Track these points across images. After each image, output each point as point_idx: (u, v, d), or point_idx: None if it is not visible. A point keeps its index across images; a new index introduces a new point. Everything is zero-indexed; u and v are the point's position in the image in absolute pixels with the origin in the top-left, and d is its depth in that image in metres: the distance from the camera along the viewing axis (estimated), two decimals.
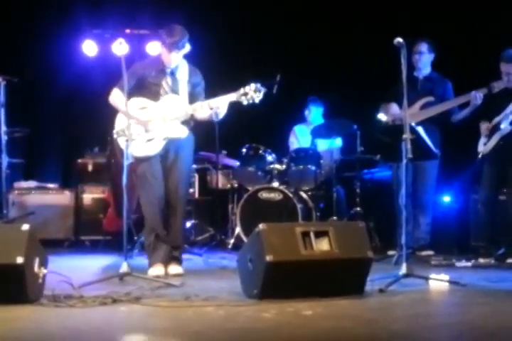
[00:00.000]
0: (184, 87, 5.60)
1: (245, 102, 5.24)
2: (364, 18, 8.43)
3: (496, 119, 6.26)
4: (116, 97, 5.49)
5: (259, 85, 5.24)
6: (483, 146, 6.32)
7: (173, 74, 5.60)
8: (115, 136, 5.53)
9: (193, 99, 5.59)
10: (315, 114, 8.15)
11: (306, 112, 8.22)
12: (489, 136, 6.30)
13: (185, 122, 5.56)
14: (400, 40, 4.96)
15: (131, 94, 5.37)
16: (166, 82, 5.58)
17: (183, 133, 5.53)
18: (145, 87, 5.54)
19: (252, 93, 5.21)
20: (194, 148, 5.81)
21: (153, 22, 8.00)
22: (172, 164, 5.57)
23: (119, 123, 5.56)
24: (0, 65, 7.26)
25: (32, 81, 8.32)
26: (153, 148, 5.47)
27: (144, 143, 5.44)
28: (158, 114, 5.49)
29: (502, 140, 6.24)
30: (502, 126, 6.20)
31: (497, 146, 6.26)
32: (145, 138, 5.46)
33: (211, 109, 5.40)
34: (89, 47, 8.49)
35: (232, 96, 5.30)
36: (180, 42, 5.45)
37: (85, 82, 8.55)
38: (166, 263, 5.50)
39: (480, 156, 6.36)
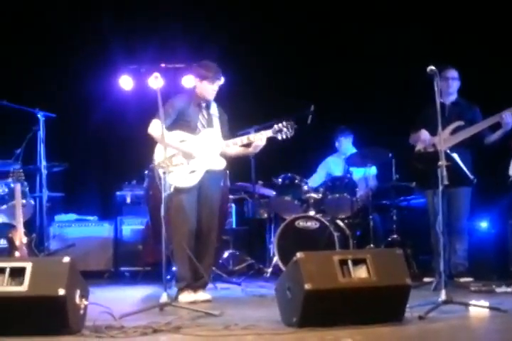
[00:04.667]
0: (217, 122, 5.84)
1: (279, 138, 5.67)
2: (393, 45, 8.49)
3: None
4: (158, 128, 5.55)
5: (292, 123, 5.67)
6: None
7: (207, 108, 5.81)
8: (156, 167, 5.61)
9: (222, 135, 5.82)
10: (345, 144, 8.20)
11: (337, 144, 8.26)
12: None
13: (221, 154, 5.77)
14: (433, 68, 5.00)
15: (169, 127, 5.54)
16: (203, 116, 5.79)
17: (222, 164, 5.77)
18: (183, 121, 5.72)
19: (286, 130, 5.65)
20: (225, 180, 6.09)
21: (188, 56, 8.15)
22: (206, 196, 5.72)
23: (160, 154, 5.62)
24: (38, 100, 7.41)
25: (70, 115, 8.45)
26: (194, 179, 5.64)
27: (187, 174, 5.60)
28: (199, 146, 5.65)
29: None
30: None
31: None
32: (188, 170, 5.62)
33: (246, 145, 5.70)
34: (125, 82, 8.67)
35: (268, 133, 5.69)
36: (219, 74, 5.78)
37: (122, 116, 8.70)
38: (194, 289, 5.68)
39: (511, 180, 6.35)
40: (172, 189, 5.33)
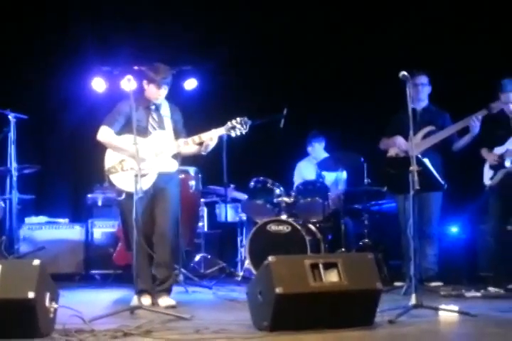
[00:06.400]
0: (168, 123, 5.76)
1: (233, 135, 5.55)
2: (365, 51, 8.53)
3: (499, 150, 6.33)
4: (107, 134, 5.64)
5: (245, 118, 5.53)
6: (489, 180, 6.37)
7: (157, 110, 5.75)
8: (106, 173, 5.63)
9: (176, 135, 5.73)
10: (318, 148, 8.22)
11: (309, 149, 8.28)
12: (494, 170, 6.34)
13: (174, 156, 5.68)
14: (405, 73, 5.04)
15: (120, 132, 5.59)
16: (153, 119, 5.72)
17: (175, 166, 5.67)
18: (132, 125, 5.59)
19: (239, 126, 5.51)
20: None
21: (161, 58, 8.10)
22: (160, 198, 5.65)
23: (109, 160, 5.67)
24: (10, 101, 7.36)
25: (41, 117, 8.41)
26: (146, 182, 5.49)
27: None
28: (149, 149, 5.58)
29: (506, 175, 6.30)
30: (506, 163, 6.26)
31: (502, 181, 6.31)
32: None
33: (200, 143, 5.57)
34: (98, 84, 8.64)
35: (221, 130, 5.55)
36: (168, 78, 5.69)
37: (94, 118, 8.54)
38: (155, 294, 5.57)
39: (487, 188, 6.41)
40: (124, 195, 5.36)
